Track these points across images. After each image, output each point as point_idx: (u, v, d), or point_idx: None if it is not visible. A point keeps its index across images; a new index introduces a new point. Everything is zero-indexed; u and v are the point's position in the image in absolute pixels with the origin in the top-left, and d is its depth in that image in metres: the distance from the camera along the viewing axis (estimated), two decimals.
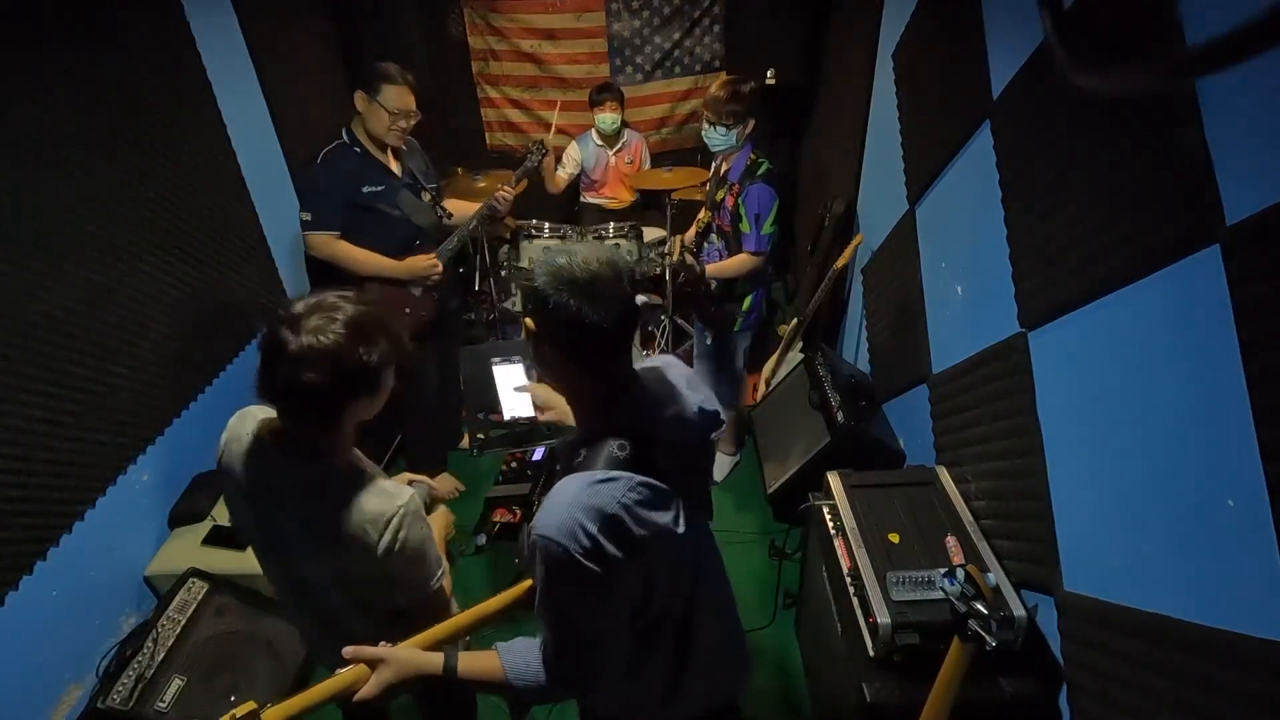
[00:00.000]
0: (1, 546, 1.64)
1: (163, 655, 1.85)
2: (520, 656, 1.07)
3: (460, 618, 1.21)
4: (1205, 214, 1.11)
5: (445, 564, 1.29)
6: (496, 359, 2.08)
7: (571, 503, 0.96)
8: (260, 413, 1.24)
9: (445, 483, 3.05)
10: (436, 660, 1.08)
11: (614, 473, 0.99)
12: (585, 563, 0.94)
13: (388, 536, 1.14)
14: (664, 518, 1.03)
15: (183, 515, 2.23)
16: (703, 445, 1.17)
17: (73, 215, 1.85)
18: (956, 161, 2.10)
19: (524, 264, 3.42)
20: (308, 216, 2.39)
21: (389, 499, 1.16)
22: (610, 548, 0.95)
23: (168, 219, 2.22)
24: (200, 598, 1.99)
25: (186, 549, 2.14)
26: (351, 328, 1.10)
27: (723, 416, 1.19)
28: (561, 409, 1.37)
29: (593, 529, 0.95)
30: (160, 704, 1.78)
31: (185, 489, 2.28)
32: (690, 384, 1.17)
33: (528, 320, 1.04)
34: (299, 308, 1.11)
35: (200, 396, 2.36)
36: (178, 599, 1.96)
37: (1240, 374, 1.05)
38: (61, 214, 1.82)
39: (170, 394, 2.23)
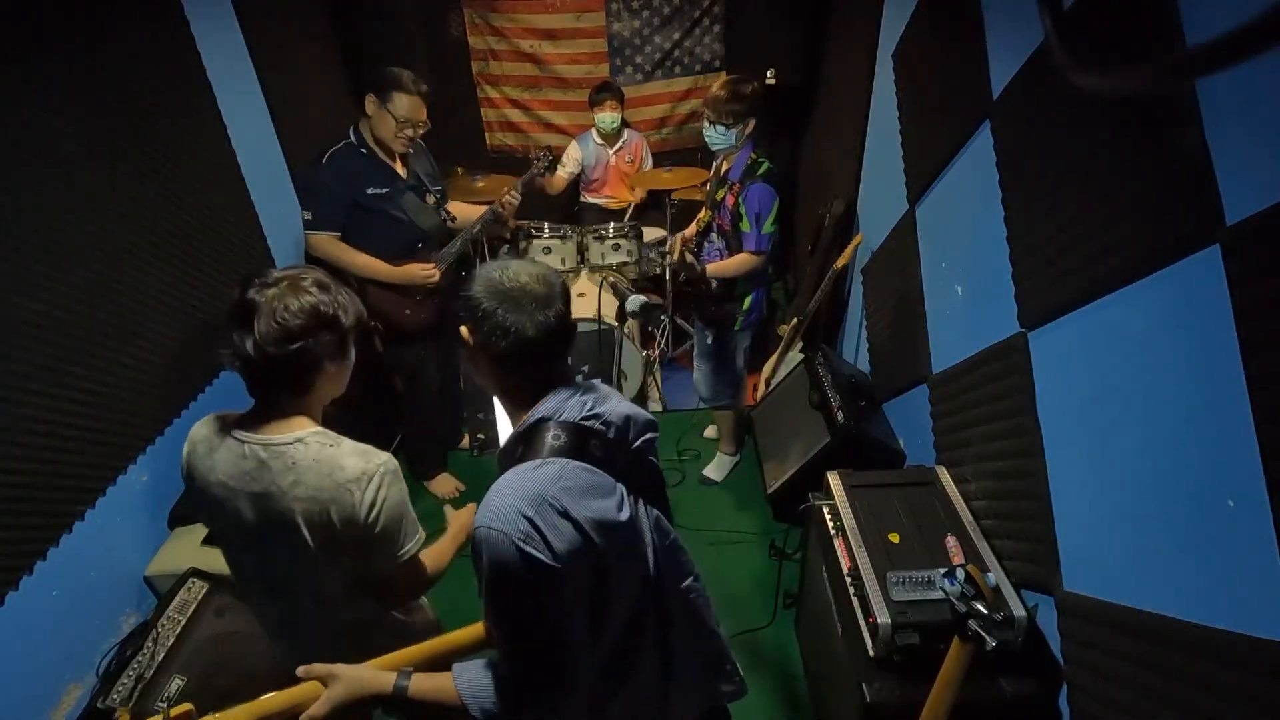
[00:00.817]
0: (1, 546, 1.64)
1: (163, 655, 1.85)
2: (477, 676, 1.04)
3: (429, 644, 1.20)
4: (1205, 214, 1.11)
5: (421, 533, 1.29)
6: None
7: (509, 490, 0.98)
8: (216, 417, 1.25)
9: (445, 483, 3.04)
10: (386, 680, 1.06)
11: (551, 459, 1.01)
12: (526, 549, 0.93)
13: (370, 493, 1.16)
14: (605, 503, 1.03)
15: (183, 515, 2.23)
16: (645, 450, 1.17)
17: (72, 215, 1.85)
18: (956, 161, 2.10)
19: None
20: (309, 215, 2.39)
21: (368, 457, 1.18)
22: (550, 532, 0.95)
23: (168, 219, 2.22)
24: (200, 598, 1.99)
25: (186, 549, 2.14)
26: (321, 287, 1.18)
27: (655, 424, 1.20)
28: None
29: (530, 512, 0.95)
30: (160, 704, 1.78)
31: (185, 489, 2.28)
32: (620, 400, 1.19)
33: (463, 329, 1.08)
34: (269, 276, 1.16)
35: (200, 396, 2.36)
36: (178, 599, 1.96)
37: (1240, 374, 1.05)
38: (61, 214, 1.82)
39: (170, 394, 2.23)
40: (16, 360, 1.67)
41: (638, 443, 1.15)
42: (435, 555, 1.40)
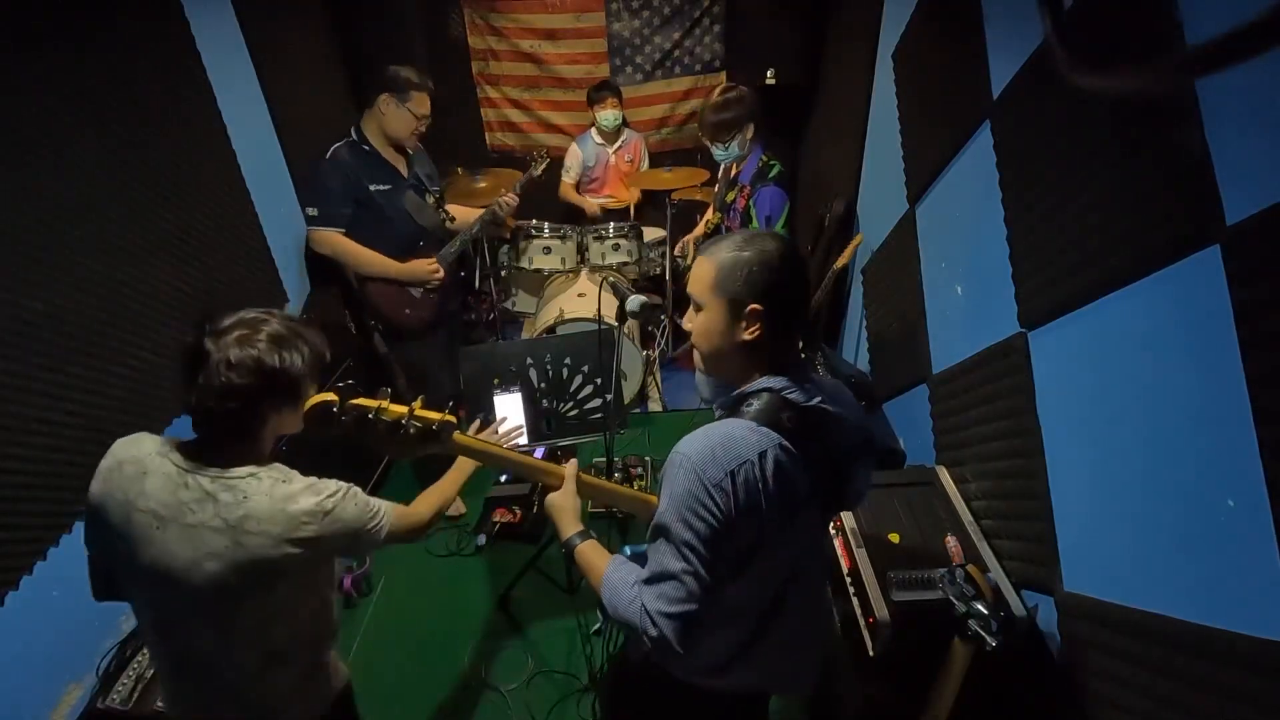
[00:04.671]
0: (1, 546, 1.64)
1: None
2: (622, 574, 1.15)
3: (603, 485, 1.35)
4: (1205, 214, 1.11)
5: (384, 509, 1.29)
6: (497, 390, 2.07)
7: (722, 436, 1.04)
8: (149, 439, 1.20)
9: None
10: (570, 529, 1.26)
11: (768, 430, 1.05)
12: (713, 494, 1.01)
13: (326, 524, 1.17)
14: (794, 486, 1.07)
15: None
16: (850, 465, 1.21)
17: (73, 215, 1.85)
18: (956, 161, 2.10)
19: (524, 264, 3.43)
20: (313, 212, 2.42)
21: (318, 490, 1.19)
22: (738, 491, 1.02)
23: (168, 218, 2.22)
24: None
25: None
26: (274, 339, 1.14)
27: (873, 449, 1.26)
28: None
29: (729, 467, 1.01)
30: (160, 704, 1.78)
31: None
32: (861, 411, 1.25)
33: (720, 299, 1.09)
34: (225, 322, 1.14)
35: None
36: None
37: (1240, 374, 1.05)
38: (62, 214, 1.82)
39: (170, 393, 2.22)
40: (17, 359, 1.67)
41: (849, 455, 1.19)
42: (440, 492, 1.44)
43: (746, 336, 1.09)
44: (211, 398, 1.10)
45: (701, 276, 1.12)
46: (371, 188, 2.44)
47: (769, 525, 1.06)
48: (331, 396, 1.09)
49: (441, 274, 2.62)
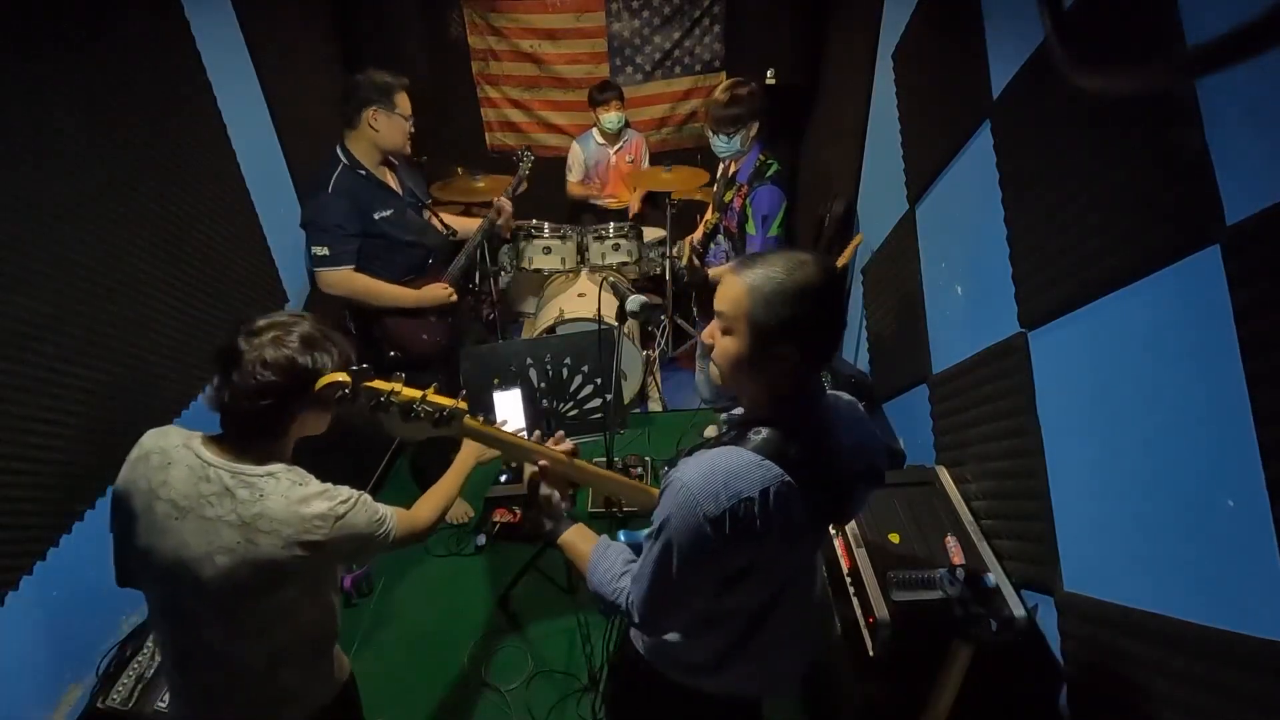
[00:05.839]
0: (1, 546, 1.64)
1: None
2: (608, 562, 1.19)
3: (604, 474, 1.39)
4: (1205, 214, 1.11)
5: (389, 516, 1.31)
6: (497, 390, 2.07)
7: (725, 470, 1.01)
8: (176, 432, 1.23)
9: (456, 505, 3.01)
10: (555, 516, 1.28)
11: (772, 464, 1.02)
12: (707, 524, 0.99)
13: (337, 529, 1.19)
14: (795, 518, 1.05)
15: None
16: (855, 489, 1.20)
17: (74, 215, 1.85)
18: (956, 161, 2.10)
19: (524, 264, 3.43)
20: (324, 252, 2.25)
21: (332, 496, 1.21)
22: (735, 524, 1.00)
23: (168, 218, 2.22)
24: None
25: None
26: (305, 340, 1.19)
27: (882, 477, 1.25)
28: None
29: (728, 504, 0.99)
30: (160, 704, 1.78)
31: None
32: (873, 432, 1.23)
33: (750, 327, 1.03)
34: (259, 323, 1.19)
35: (200, 396, 2.36)
36: None
37: (1240, 374, 1.05)
38: (63, 214, 1.82)
39: (171, 392, 2.23)
40: (16, 360, 1.67)
41: (853, 480, 1.17)
42: (441, 493, 1.45)
43: (754, 368, 1.05)
44: (244, 395, 1.14)
45: (734, 298, 1.04)
46: (377, 216, 2.30)
47: (766, 552, 1.05)
48: (344, 377, 1.14)
49: (456, 297, 2.54)
